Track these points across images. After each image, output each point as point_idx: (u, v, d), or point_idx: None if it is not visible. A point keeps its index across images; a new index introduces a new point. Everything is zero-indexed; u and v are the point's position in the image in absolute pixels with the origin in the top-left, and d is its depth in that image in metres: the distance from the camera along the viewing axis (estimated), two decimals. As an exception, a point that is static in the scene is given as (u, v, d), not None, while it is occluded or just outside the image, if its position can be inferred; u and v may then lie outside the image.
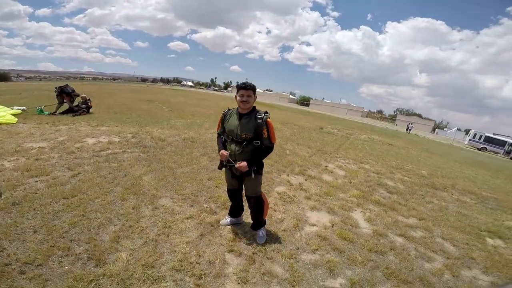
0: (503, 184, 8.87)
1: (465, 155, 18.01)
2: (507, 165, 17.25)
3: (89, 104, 9.60)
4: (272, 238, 2.93)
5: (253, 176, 2.55)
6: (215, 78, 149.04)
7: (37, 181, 3.48)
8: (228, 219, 3.06)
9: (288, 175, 5.13)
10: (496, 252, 3.46)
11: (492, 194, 6.58)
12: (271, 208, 3.61)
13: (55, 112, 8.91)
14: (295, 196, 4.16)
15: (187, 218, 3.05)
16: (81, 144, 5.31)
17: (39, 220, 2.63)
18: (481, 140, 29.47)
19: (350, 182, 5.33)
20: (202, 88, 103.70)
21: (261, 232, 2.85)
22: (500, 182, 9.02)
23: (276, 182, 4.67)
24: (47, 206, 2.90)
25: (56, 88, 9.31)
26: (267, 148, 2.53)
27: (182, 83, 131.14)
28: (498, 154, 27.85)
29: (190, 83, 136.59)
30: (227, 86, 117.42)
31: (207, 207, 3.37)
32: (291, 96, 76.81)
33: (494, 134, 30.73)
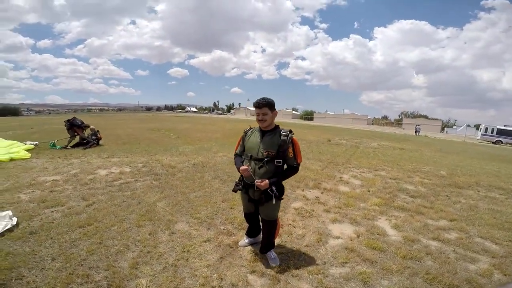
0: (529, 176, 8.43)
1: (481, 150, 17.49)
2: (527, 158, 16.57)
3: (99, 135, 9.77)
4: (295, 255, 2.76)
5: (274, 202, 2.37)
6: (218, 101, 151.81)
7: (53, 211, 3.56)
8: (246, 240, 2.93)
9: (303, 190, 4.98)
10: (544, 247, 3.17)
11: (521, 187, 6.22)
12: (290, 224, 3.47)
13: (67, 145, 9.12)
14: (313, 210, 3.99)
15: (205, 241, 2.96)
16: (94, 175, 5.40)
17: (56, 249, 2.66)
18: (494, 133, 28.89)
19: (369, 191, 5.14)
20: (205, 113, 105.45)
21: (272, 254, 2.66)
22: (526, 175, 8.59)
23: (292, 198, 4.52)
24: (63, 234, 2.94)
25: (65, 121, 9.54)
26: (293, 168, 2.38)
27: (186, 109, 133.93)
28: (515, 145, 27.10)
29: (194, 109, 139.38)
30: (230, 108, 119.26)
31: (224, 229, 3.26)
32: (294, 112, 77.34)
33: (505, 126, 30.18)
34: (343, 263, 2.63)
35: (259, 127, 2.47)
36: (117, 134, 13.97)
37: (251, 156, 2.40)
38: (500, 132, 28.83)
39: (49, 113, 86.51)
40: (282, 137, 2.33)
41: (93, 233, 2.98)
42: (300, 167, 2.44)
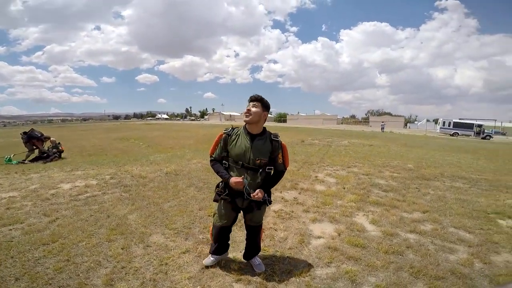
0: (486, 164, 9.20)
1: (442, 142, 18.81)
2: (481, 146, 18.18)
3: (60, 148, 9.09)
4: (280, 259, 2.69)
5: (268, 206, 2.29)
6: (190, 107, 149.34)
7: (11, 230, 3.30)
8: (212, 258, 2.56)
9: (281, 192, 4.95)
10: (515, 232, 3.41)
11: (481, 176, 6.74)
12: (272, 228, 3.42)
13: (25, 160, 8.39)
14: (293, 212, 3.97)
15: (184, 253, 2.80)
16: (56, 190, 4.99)
17: (19, 268, 2.47)
18: (451, 126, 31.59)
19: (344, 188, 5.24)
20: (178, 120, 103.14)
21: (257, 260, 2.54)
22: (483, 163, 9.36)
23: (270, 200, 4.47)
24: (26, 253, 2.73)
25: (22, 134, 8.76)
26: (281, 173, 2.27)
27: (156, 117, 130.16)
28: (470, 136, 29.83)
29: (165, 116, 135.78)
30: (203, 114, 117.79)
31: (203, 238, 3.11)
32: (268, 115, 77.73)
33: (460, 119, 33.22)
34: (328, 263, 2.62)
35: (245, 129, 2.20)
36: (81, 145, 13.15)
37: (243, 164, 2.15)
38: (456, 125, 31.64)
39: (4, 126, 79.83)
40: (274, 142, 2.18)
41: (59, 250, 2.78)
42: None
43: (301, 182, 5.62)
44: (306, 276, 2.40)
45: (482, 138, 28.69)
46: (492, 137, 30.43)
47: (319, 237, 3.17)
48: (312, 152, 10.60)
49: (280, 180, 2.34)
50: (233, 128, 2.27)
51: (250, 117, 2.12)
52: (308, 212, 3.95)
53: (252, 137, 2.17)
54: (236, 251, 2.81)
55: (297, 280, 2.34)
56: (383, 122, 38.41)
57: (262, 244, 2.91)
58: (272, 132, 2.27)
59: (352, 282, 2.32)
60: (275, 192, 4.90)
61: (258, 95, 2.18)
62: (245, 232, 2.55)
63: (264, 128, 2.25)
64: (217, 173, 2.23)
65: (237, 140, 2.19)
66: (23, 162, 8.26)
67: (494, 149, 15.57)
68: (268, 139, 2.19)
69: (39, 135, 8.77)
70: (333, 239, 3.12)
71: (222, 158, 2.24)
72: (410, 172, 6.91)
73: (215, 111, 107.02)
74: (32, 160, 8.46)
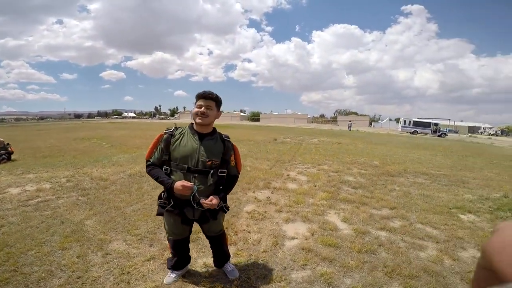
0: (443, 160, 9.89)
1: (403, 140, 20.02)
2: (438, 143, 19.61)
3: (10, 149, 8.20)
4: (254, 263, 2.58)
5: (225, 213, 2.10)
6: (160, 105, 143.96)
7: None
8: (172, 275, 2.27)
9: (254, 192, 4.85)
10: (476, 227, 3.60)
11: (440, 171, 7.18)
12: (245, 230, 3.29)
13: None
14: (266, 212, 3.88)
15: (148, 260, 2.59)
16: (2, 195, 4.50)
17: None
18: (411, 125, 33.90)
19: (315, 186, 5.28)
20: (146, 118, 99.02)
21: (229, 266, 2.37)
22: (440, 159, 10.04)
23: (243, 201, 4.35)
24: None
25: None
26: (235, 178, 2.05)
27: (123, 115, 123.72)
28: (427, 134, 32.20)
29: (132, 114, 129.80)
30: (173, 112, 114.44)
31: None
32: (241, 113, 78.26)
33: (419, 118, 35.82)
34: (303, 265, 2.55)
35: (192, 129, 1.92)
36: (36, 146, 12.03)
37: (189, 167, 1.85)
38: (416, 124, 34.04)
39: None
40: (226, 143, 1.95)
41: (5, 260, 2.54)
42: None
43: (274, 181, 5.57)
44: (282, 280, 2.31)
45: (438, 136, 31.06)
46: (447, 135, 33.06)
47: (292, 238, 3.11)
48: (284, 150, 10.67)
49: (234, 186, 2.12)
50: (176, 128, 1.97)
51: (207, 119, 1.86)
52: (281, 212, 3.89)
53: (201, 136, 1.89)
54: (207, 256, 2.65)
55: (273, 285, 2.25)
56: (350, 121, 40.06)
57: (234, 248, 2.80)
58: (222, 133, 2.03)
59: (328, 285, 2.27)
60: (248, 192, 4.79)
61: (213, 93, 1.89)
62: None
63: (214, 128, 2.00)
64: (157, 179, 1.87)
65: (181, 140, 1.89)
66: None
67: (449, 146, 16.87)
68: (219, 139, 1.95)
69: None
70: (306, 239, 3.07)
71: (163, 162, 1.91)
72: (376, 168, 7.17)
73: (186, 110, 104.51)
74: (-23, 164, 7.55)
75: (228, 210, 2.10)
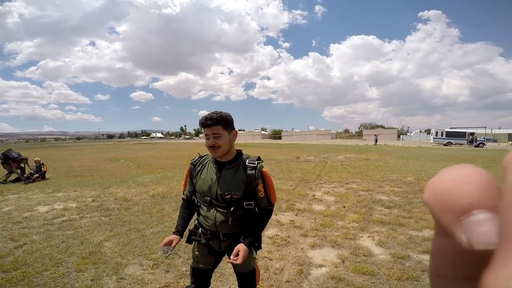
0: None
1: (437, 152, 18.71)
2: (477, 154, 18.04)
3: (43, 169, 8.67)
4: (276, 297, 2.29)
5: (253, 255, 1.72)
6: (185, 126, 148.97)
7: None
8: None
9: (276, 214, 4.55)
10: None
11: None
12: (266, 257, 3.03)
13: (5, 180, 8.11)
14: (289, 237, 3.59)
15: (163, 287, 2.47)
16: (31, 213, 4.75)
17: None
18: (444, 136, 31.73)
19: (344, 207, 4.89)
20: (172, 138, 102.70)
21: None
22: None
23: (264, 225, 4.09)
24: None
25: None
26: (266, 212, 1.67)
27: (151, 136, 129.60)
28: (463, 145, 29.99)
29: (160, 135, 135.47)
30: (198, 132, 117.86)
31: (187, 271, 2.71)
32: (263, 132, 78.83)
33: (451, 128, 33.63)
34: (333, 300, 2.23)
35: (214, 157, 1.70)
36: (69, 166, 12.68)
37: (210, 200, 1.64)
38: (449, 134, 31.84)
39: (-4, 144, 78.56)
40: (248, 171, 1.62)
41: (19, 279, 2.58)
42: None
43: (298, 202, 5.26)
44: (308, 320, 2.00)
45: (476, 146, 28.81)
46: (485, 145, 30.63)
47: (320, 266, 2.82)
48: (308, 169, 10.28)
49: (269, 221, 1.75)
50: (201, 157, 1.79)
51: (220, 151, 1.60)
52: (306, 237, 3.58)
53: (221, 166, 1.66)
54: (225, 286, 2.42)
55: (298, 327, 1.94)
56: (375, 135, 38.65)
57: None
58: (251, 156, 1.72)
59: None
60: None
61: (214, 116, 1.58)
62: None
63: (239, 151, 1.74)
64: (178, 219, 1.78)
65: (202, 171, 1.71)
66: (3, 182, 7.96)
67: (491, 157, 15.44)
68: (241, 167, 1.64)
69: (16, 155, 8.51)
70: (336, 267, 2.77)
71: (192, 195, 1.75)
72: (411, 185, 6.63)
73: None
74: (14, 181, 8.19)
75: (260, 248, 1.77)
